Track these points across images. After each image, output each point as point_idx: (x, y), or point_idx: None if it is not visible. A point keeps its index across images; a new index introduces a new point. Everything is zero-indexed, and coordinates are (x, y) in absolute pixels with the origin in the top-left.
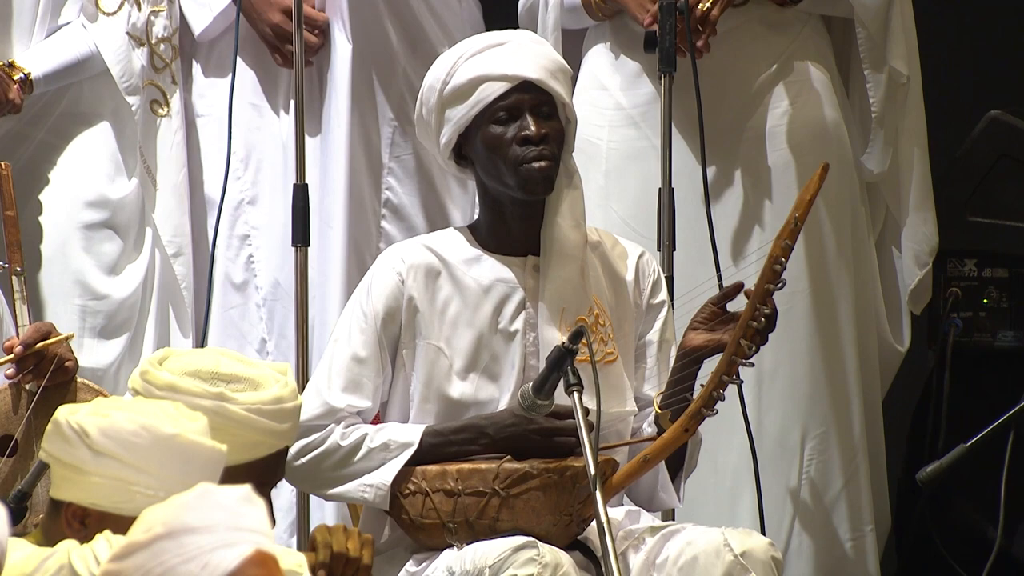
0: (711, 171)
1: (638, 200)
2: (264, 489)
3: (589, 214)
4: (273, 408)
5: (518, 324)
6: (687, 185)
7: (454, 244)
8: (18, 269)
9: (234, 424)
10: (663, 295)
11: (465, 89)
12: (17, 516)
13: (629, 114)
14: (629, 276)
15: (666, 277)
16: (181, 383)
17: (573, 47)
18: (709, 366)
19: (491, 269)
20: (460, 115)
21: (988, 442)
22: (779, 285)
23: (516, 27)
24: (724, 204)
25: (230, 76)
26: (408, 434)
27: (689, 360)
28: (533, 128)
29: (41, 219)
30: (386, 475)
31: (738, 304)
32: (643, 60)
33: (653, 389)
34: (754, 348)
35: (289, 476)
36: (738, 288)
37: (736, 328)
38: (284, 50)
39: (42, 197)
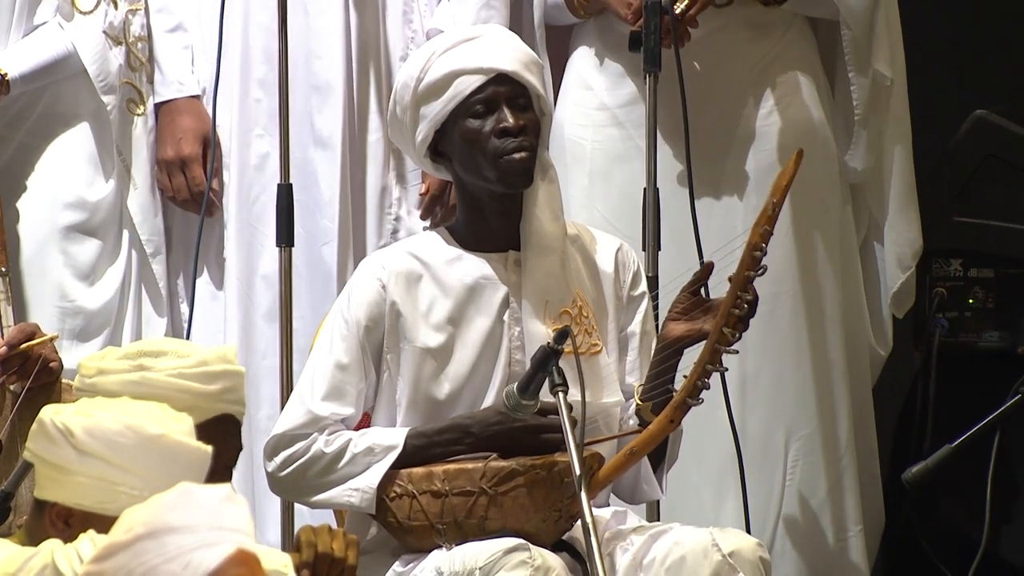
0: (698, 173)
1: (622, 200)
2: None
3: (574, 214)
4: (197, 371)
5: (504, 319)
6: (671, 186)
7: (434, 246)
8: (3, 270)
9: (159, 391)
10: (643, 287)
11: (440, 84)
12: (1, 516)
13: (614, 114)
14: (609, 268)
15: (650, 277)
16: (107, 365)
17: (559, 48)
18: (690, 357)
19: (473, 267)
20: (436, 111)
21: (974, 442)
22: (759, 271)
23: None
24: (710, 205)
25: (213, 76)
26: (392, 437)
27: (670, 351)
28: (511, 120)
29: (21, 221)
30: (371, 479)
31: (717, 292)
32: (627, 61)
33: (635, 380)
34: (737, 335)
35: (274, 487)
36: (708, 270)
37: (718, 316)
38: (165, 191)
39: (22, 199)
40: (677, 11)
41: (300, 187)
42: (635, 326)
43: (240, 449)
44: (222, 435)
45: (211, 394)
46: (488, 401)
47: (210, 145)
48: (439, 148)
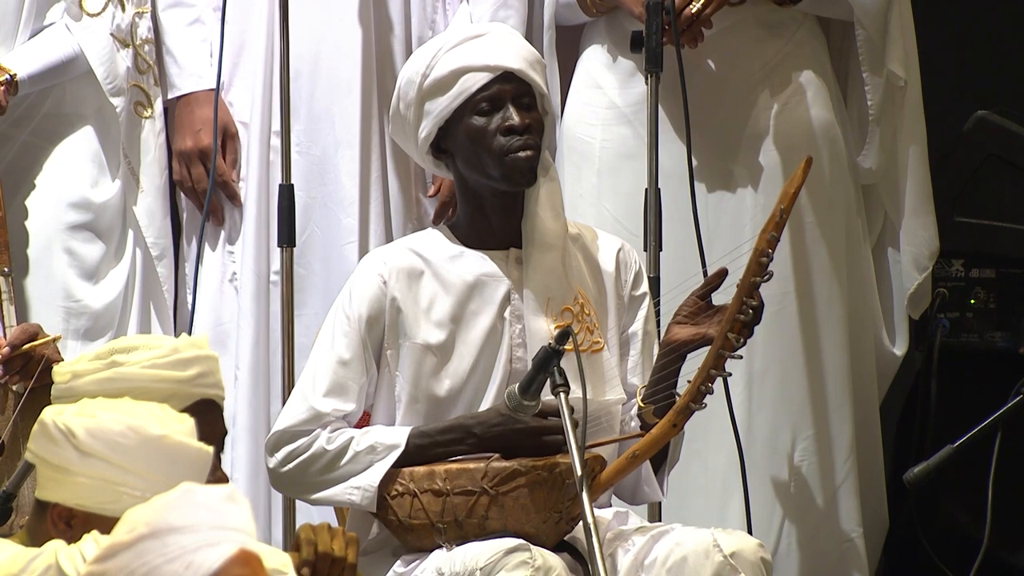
0: (707, 172)
1: (631, 199)
2: None
3: (582, 213)
4: (170, 359)
5: (505, 316)
6: (679, 185)
7: (436, 243)
8: (5, 270)
9: (135, 384)
10: (644, 287)
11: (447, 80)
12: (2, 517)
13: (623, 112)
14: (610, 268)
15: (652, 278)
16: (80, 368)
17: (569, 47)
18: (692, 361)
19: (474, 264)
20: (441, 107)
21: (975, 443)
22: (766, 277)
23: None
24: (720, 205)
25: (215, 79)
26: (394, 436)
27: (674, 355)
28: (517, 118)
29: (25, 221)
30: (372, 477)
31: (723, 297)
32: (638, 59)
33: (638, 380)
34: (742, 341)
35: (275, 482)
36: (721, 275)
37: (723, 321)
38: (184, 183)
39: (26, 199)
40: (693, 10)
41: (318, 185)
42: (637, 326)
43: (225, 433)
44: (204, 420)
45: (187, 380)
46: (489, 398)
47: (229, 137)
48: (441, 145)
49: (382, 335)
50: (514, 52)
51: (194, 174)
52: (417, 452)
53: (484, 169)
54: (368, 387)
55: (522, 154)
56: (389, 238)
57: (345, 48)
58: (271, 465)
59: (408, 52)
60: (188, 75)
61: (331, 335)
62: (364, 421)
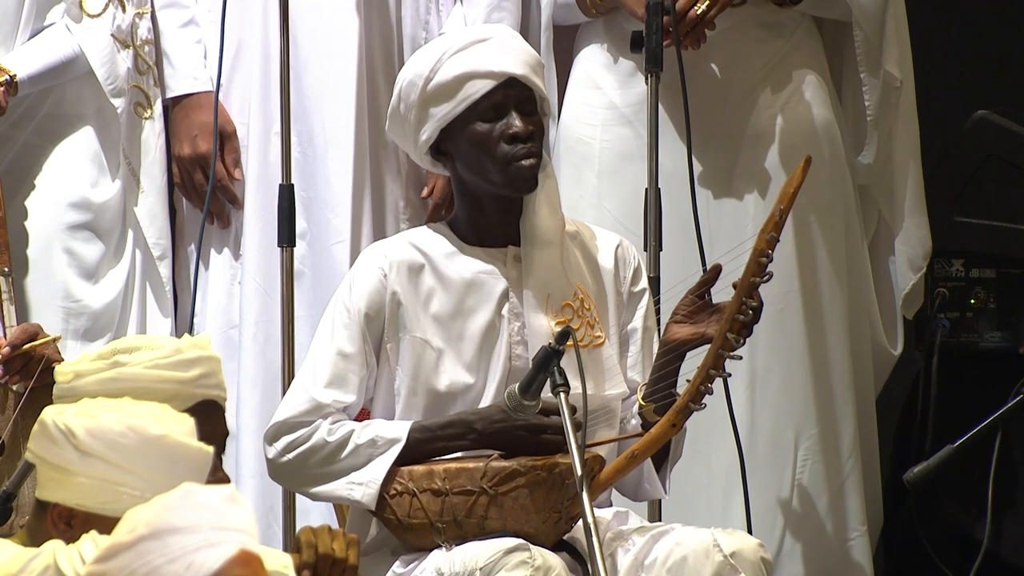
0: (709, 172)
1: (632, 199)
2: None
3: (582, 214)
4: (172, 359)
5: (503, 313)
6: (680, 185)
7: (435, 240)
8: (5, 270)
9: (137, 384)
10: (644, 282)
11: (451, 86)
12: (2, 517)
13: (623, 113)
14: (609, 264)
15: (652, 278)
16: (82, 367)
17: (565, 47)
18: (692, 359)
19: (472, 262)
20: (444, 112)
21: (975, 443)
22: (765, 278)
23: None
24: (721, 205)
25: (209, 80)
26: (395, 430)
27: (673, 355)
28: (520, 125)
29: (25, 222)
30: (375, 473)
31: (722, 295)
32: (638, 59)
33: (638, 376)
34: (741, 341)
35: (275, 474)
36: (716, 271)
37: (722, 321)
38: (186, 187)
39: (26, 199)
40: (698, 12)
41: (310, 185)
42: (636, 322)
43: (227, 434)
44: (206, 421)
45: (189, 380)
46: (488, 395)
47: (227, 138)
48: (441, 147)
49: (382, 328)
50: (518, 58)
51: (195, 180)
52: (417, 446)
53: (486, 175)
54: (368, 380)
55: (525, 162)
56: (380, 238)
57: (338, 48)
58: (270, 455)
59: (401, 52)
60: (182, 76)
61: (331, 327)
62: (364, 416)
